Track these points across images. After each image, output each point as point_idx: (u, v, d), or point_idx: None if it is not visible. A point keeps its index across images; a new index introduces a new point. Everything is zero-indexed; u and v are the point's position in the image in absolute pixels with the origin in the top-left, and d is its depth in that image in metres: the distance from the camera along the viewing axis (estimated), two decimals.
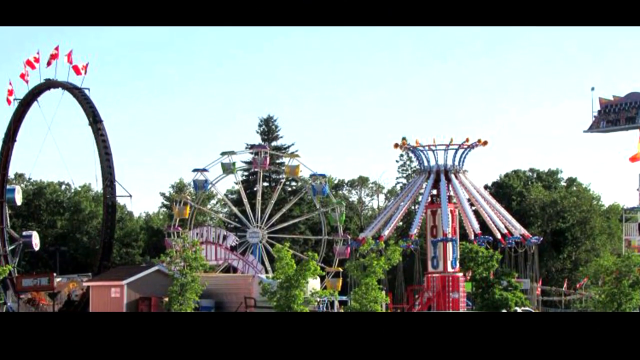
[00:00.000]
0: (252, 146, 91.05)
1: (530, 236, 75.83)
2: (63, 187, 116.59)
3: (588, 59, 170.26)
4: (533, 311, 70.82)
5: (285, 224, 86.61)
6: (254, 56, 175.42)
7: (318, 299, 65.78)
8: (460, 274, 71.96)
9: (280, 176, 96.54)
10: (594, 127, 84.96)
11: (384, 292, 65.46)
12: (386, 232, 73.29)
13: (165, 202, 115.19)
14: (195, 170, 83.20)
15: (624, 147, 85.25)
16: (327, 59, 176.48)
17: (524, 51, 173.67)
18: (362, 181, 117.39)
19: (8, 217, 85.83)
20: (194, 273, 63.94)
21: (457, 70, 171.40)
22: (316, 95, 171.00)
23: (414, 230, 73.63)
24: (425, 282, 73.49)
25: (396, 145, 76.38)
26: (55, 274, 76.72)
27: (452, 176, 74.69)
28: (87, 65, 79.72)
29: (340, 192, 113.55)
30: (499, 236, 74.27)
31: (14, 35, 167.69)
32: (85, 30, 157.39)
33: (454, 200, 74.45)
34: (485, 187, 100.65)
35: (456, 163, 75.23)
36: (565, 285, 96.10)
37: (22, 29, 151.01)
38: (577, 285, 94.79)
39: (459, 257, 70.95)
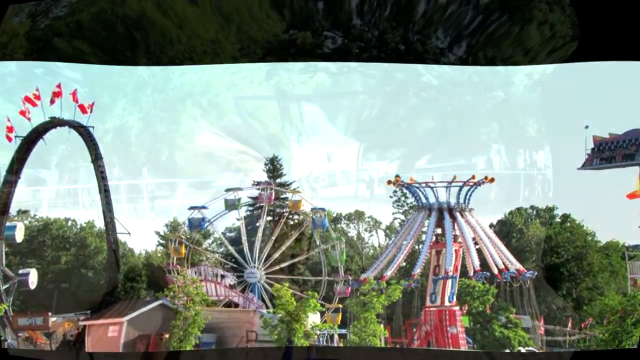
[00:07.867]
0: (259, 183, 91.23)
1: (525, 271, 75.52)
2: (69, 223, 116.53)
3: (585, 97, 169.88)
4: (537, 351, 70.34)
5: (284, 264, 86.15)
6: None
7: (318, 333, 65.64)
8: (457, 308, 71.61)
9: (284, 210, 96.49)
10: (587, 165, 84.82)
11: (382, 326, 65.26)
12: (389, 273, 72.83)
13: (161, 241, 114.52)
14: (191, 207, 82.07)
15: (619, 184, 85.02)
16: None
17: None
18: (359, 215, 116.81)
19: (4, 255, 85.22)
20: (197, 307, 63.93)
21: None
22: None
23: (417, 270, 73.27)
24: (423, 316, 73.17)
25: (389, 182, 76.17)
26: (50, 313, 76.21)
27: (458, 214, 74.38)
28: (92, 104, 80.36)
29: (339, 225, 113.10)
30: (496, 271, 73.95)
31: (13, 71, 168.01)
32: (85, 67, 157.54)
33: (459, 239, 74.11)
34: (490, 225, 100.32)
35: (461, 201, 75.02)
36: (569, 324, 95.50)
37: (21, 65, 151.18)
38: (582, 325, 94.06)
39: (456, 292, 70.70)
